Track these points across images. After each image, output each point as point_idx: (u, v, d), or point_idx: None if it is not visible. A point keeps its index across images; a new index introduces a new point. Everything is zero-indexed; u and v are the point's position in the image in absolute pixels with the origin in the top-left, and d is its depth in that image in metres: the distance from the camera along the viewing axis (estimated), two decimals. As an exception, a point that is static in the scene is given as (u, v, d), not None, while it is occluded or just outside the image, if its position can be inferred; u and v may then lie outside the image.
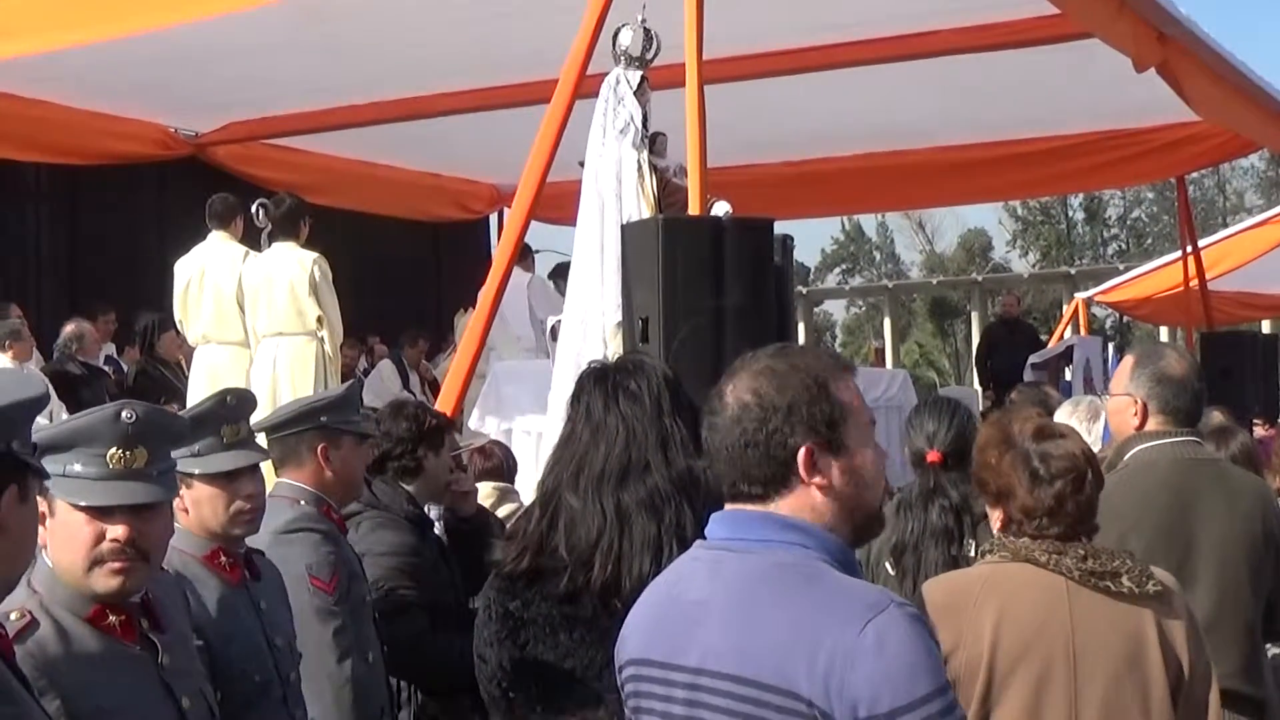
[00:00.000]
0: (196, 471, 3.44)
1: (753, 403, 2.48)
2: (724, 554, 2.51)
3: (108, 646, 2.66)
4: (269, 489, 3.72)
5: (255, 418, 3.91)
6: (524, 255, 9.55)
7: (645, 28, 6.40)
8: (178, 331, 9.33)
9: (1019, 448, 3.51)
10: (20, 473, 2.19)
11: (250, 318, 8.38)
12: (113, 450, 2.72)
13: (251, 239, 8.63)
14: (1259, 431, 7.56)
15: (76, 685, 2.48)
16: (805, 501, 2.48)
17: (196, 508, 3.51)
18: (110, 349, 10.72)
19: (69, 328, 9.92)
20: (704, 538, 2.63)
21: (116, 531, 2.70)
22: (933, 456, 4.74)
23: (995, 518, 3.66)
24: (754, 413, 2.47)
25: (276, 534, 3.74)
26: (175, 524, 3.38)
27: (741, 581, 2.45)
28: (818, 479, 2.45)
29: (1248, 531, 4.48)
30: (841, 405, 2.45)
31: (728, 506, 2.55)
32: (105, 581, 2.72)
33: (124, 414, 2.75)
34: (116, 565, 2.72)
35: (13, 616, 2.48)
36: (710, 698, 2.41)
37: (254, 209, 8.77)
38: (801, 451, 2.45)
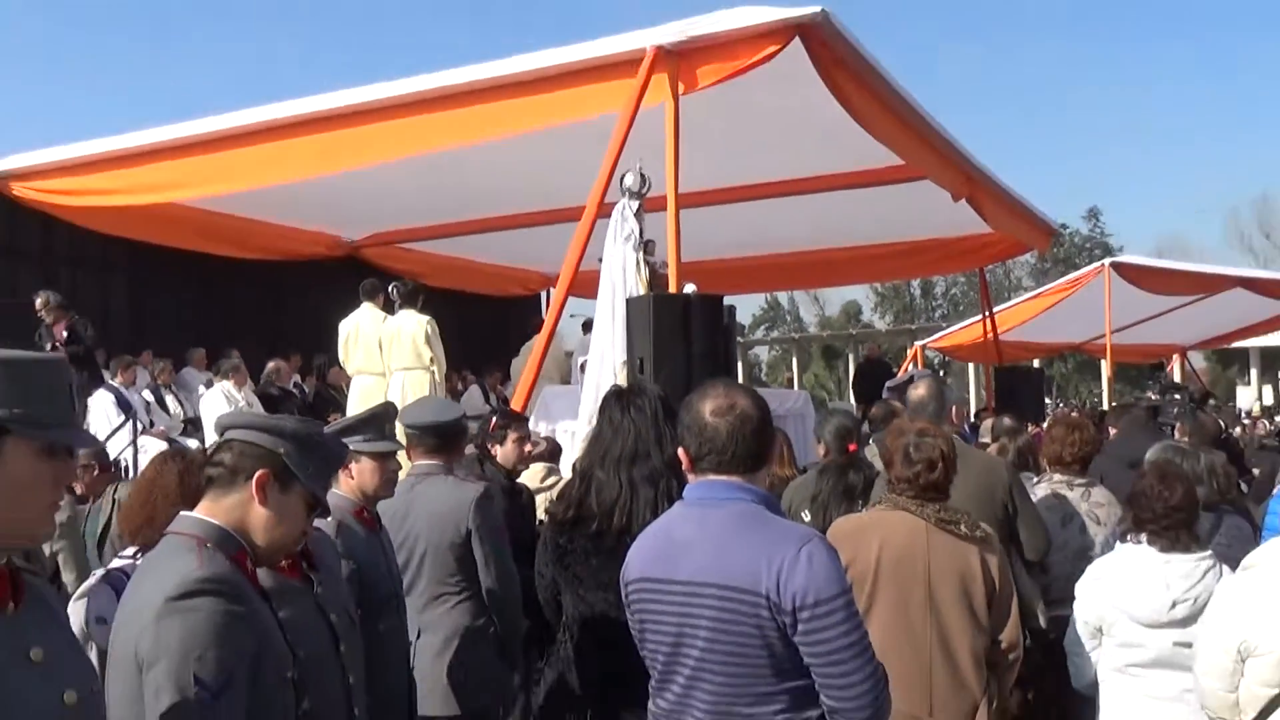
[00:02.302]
0: (366, 450, 3.49)
1: (751, 413, 2.57)
2: (705, 508, 2.60)
3: (278, 580, 2.49)
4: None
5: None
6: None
7: (641, 173, 6.96)
8: (340, 366, 10.14)
9: (905, 437, 3.70)
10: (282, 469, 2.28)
11: (386, 358, 9.12)
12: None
13: (387, 307, 9.46)
14: (1033, 429, 7.76)
15: (277, 601, 2.33)
16: (762, 476, 2.62)
17: (360, 476, 3.56)
18: (296, 378, 11.75)
19: (270, 364, 11.12)
20: (683, 500, 2.70)
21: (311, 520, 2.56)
22: (852, 446, 5.03)
23: (889, 480, 3.83)
24: (753, 421, 2.57)
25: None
26: (337, 489, 3.46)
27: (718, 523, 2.55)
28: (770, 463, 2.70)
29: (982, 491, 4.60)
30: None
31: (707, 478, 2.61)
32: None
33: None
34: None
35: None
36: (700, 599, 2.50)
37: (389, 288, 9.62)
38: (774, 447, 2.65)
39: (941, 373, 12.92)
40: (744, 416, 2.55)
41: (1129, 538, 3.91)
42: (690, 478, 2.64)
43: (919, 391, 5.20)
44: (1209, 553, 3.82)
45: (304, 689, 2.28)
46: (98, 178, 9.36)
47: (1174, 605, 3.65)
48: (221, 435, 2.35)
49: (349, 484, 3.55)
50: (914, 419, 5.00)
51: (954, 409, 5.40)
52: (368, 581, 3.46)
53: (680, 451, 2.67)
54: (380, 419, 3.62)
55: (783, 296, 48.03)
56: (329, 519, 3.22)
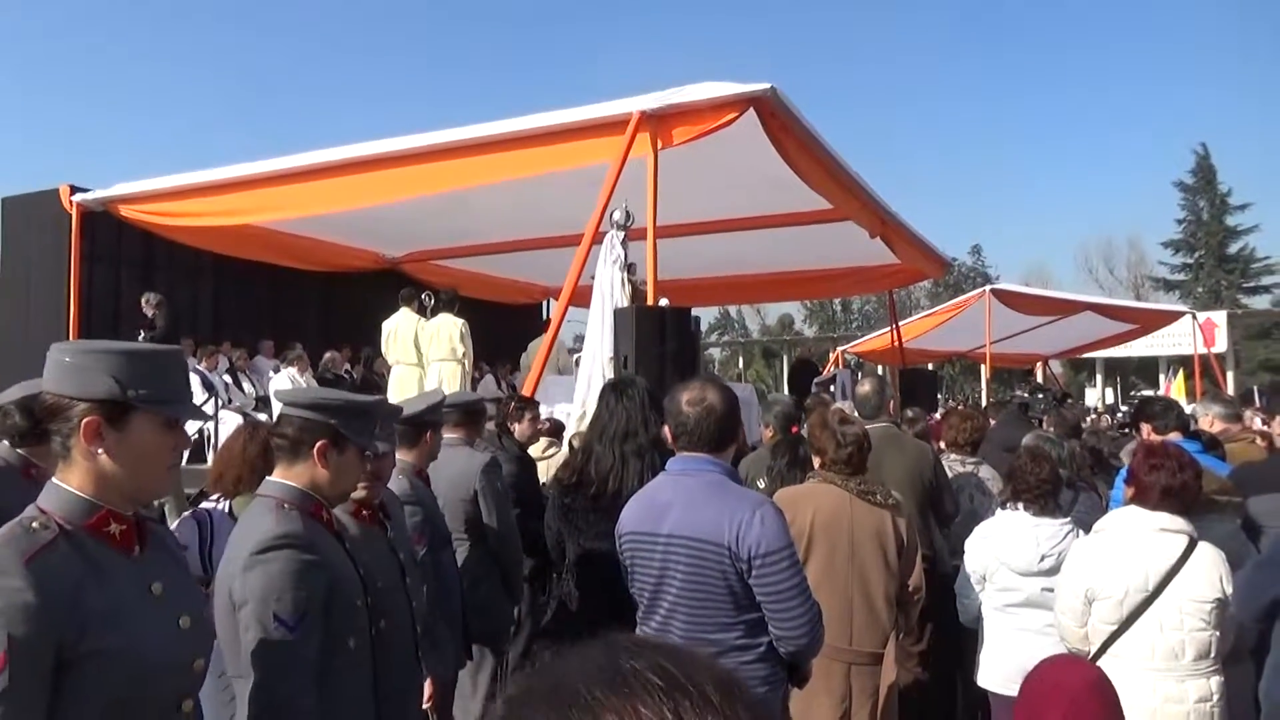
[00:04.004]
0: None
1: (717, 405, 2.60)
2: (681, 477, 2.64)
3: (361, 527, 2.55)
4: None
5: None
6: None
7: (627, 210, 6.94)
8: (382, 357, 10.09)
9: (831, 428, 3.66)
10: (336, 436, 2.25)
11: (426, 351, 9.05)
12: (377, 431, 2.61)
13: (420, 311, 9.53)
14: (929, 418, 7.80)
15: (353, 542, 2.35)
16: (728, 453, 2.66)
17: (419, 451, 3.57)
18: (347, 366, 11.71)
19: (326, 355, 11.15)
20: (665, 470, 2.73)
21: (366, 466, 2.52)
22: (795, 428, 5.01)
23: (816, 462, 3.76)
24: (718, 411, 2.60)
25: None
26: (405, 459, 3.45)
27: (691, 489, 2.60)
28: (735, 443, 2.71)
29: (913, 469, 4.65)
30: None
31: (683, 454, 2.66)
32: (359, 492, 2.57)
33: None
34: (365, 483, 2.58)
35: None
36: (677, 549, 2.55)
37: (422, 295, 9.70)
38: (739, 431, 2.72)
39: (860, 373, 12.95)
40: (710, 408, 2.59)
41: (1007, 505, 3.94)
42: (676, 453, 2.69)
43: (864, 388, 5.16)
44: (1069, 519, 3.88)
45: (379, 612, 2.28)
46: (189, 203, 9.25)
47: (1042, 558, 3.70)
48: (284, 410, 2.31)
49: (410, 454, 3.51)
50: (859, 409, 5.02)
51: (890, 403, 5.40)
52: (433, 522, 3.50)
53: (667, 430, 2.71)
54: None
55: (733, 309, 48.25)
56: (403, 477, 3.33)
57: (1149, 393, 22.99)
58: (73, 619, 1.49)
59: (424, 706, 2.75)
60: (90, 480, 1.61)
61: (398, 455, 3.49)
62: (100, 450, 1.60)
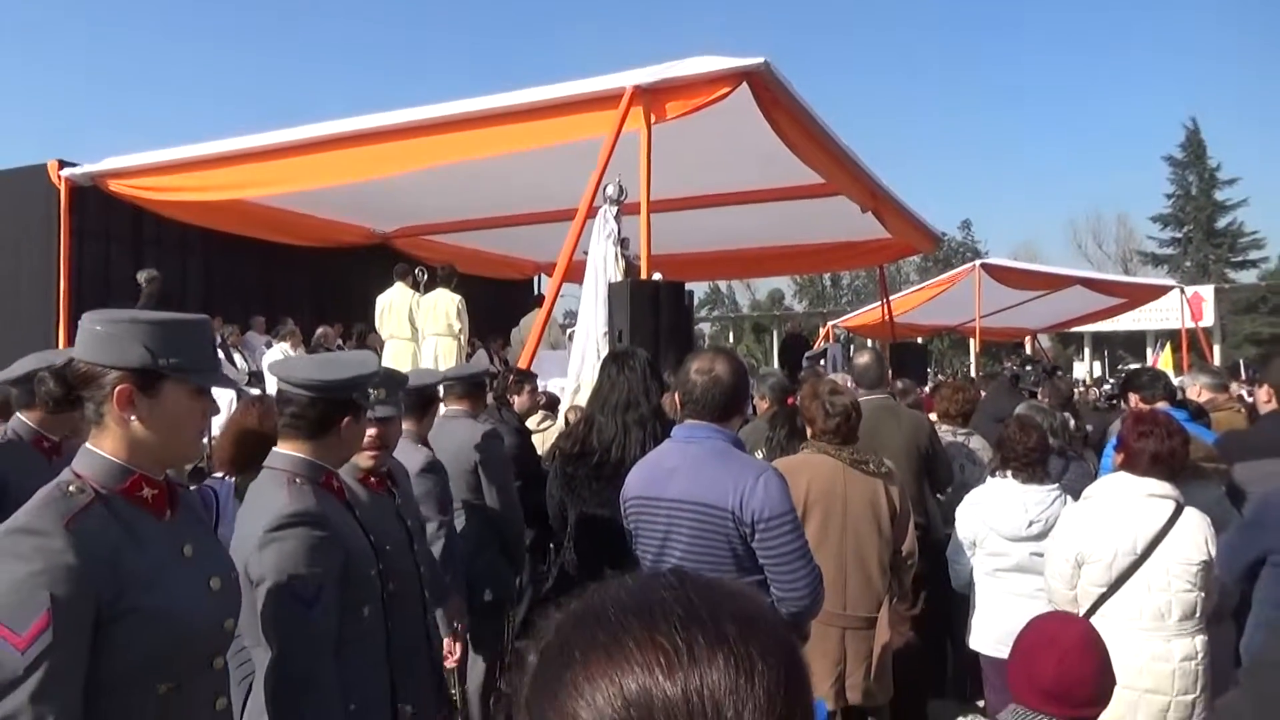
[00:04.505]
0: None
1: (724, 376, 2.64)
2: (687, 444, 2.68)
3: (370, 495, 2.60)
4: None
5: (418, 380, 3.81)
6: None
7: (620, 185, 6.90)
8: (376, 332, 10.03)
9: (821, 398, 3.68)
10: (357, 408, 2.29)
11: (422, 326, 9.09)
12: (371, 391, 2.56)
13: (414, 286, 9.60)
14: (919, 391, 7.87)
15: (363, 510, 2.39)
16: (734, 422, 2.71)
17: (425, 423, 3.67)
18: (339, 341, 11.54)
19: (319, 330, 11.01)
20: (671, 437, 2.77)
21: (372, 431, 2.61)
22: (790, 400, 4.99)
23: (808, 433, 3.80)
24: (724, 382, 2.63)
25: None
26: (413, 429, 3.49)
27: (696, 456, 2.65)
28: (740, 413, 2.76)
29: (910, 439, 4.68)
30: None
31: (689, 422, 2.69)
32: (365, 460, 2.65)
33: (380, 371, 2.70)
34: (372, 450, 2.65)
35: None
36: (682, 512, 2.60)
37: (416, 270, 9.69)
38: (745, 402, 2.73)
39: (851, 347, 13.01)
40: (717, 378, 2.63)
41: (997, 473, 4.03)
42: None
43: (864, 359, 5.22)
44: (1057, 485, 3.97)
45: (388, 576, 2.32)
46: (178, 177, 9.19)
47: (1030, 524, 3.79)
48: (293, 388, 2.25)
49: (417, 425, 3.58)
50: (860, 380, 5.09)
51: (887, 375, 5.49)
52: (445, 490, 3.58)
53: (676, 397, 2.77)
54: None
55: (723, 284, 48.33)
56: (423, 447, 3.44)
57: (1137, 366, 23.18)
58: (111, 579, 1.55)
59: (450, 665, 2.81)
60: (123, 446, 1.66)
61: (405, 425, 3.53)
62: (133, 417, 1.64)
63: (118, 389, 1.63)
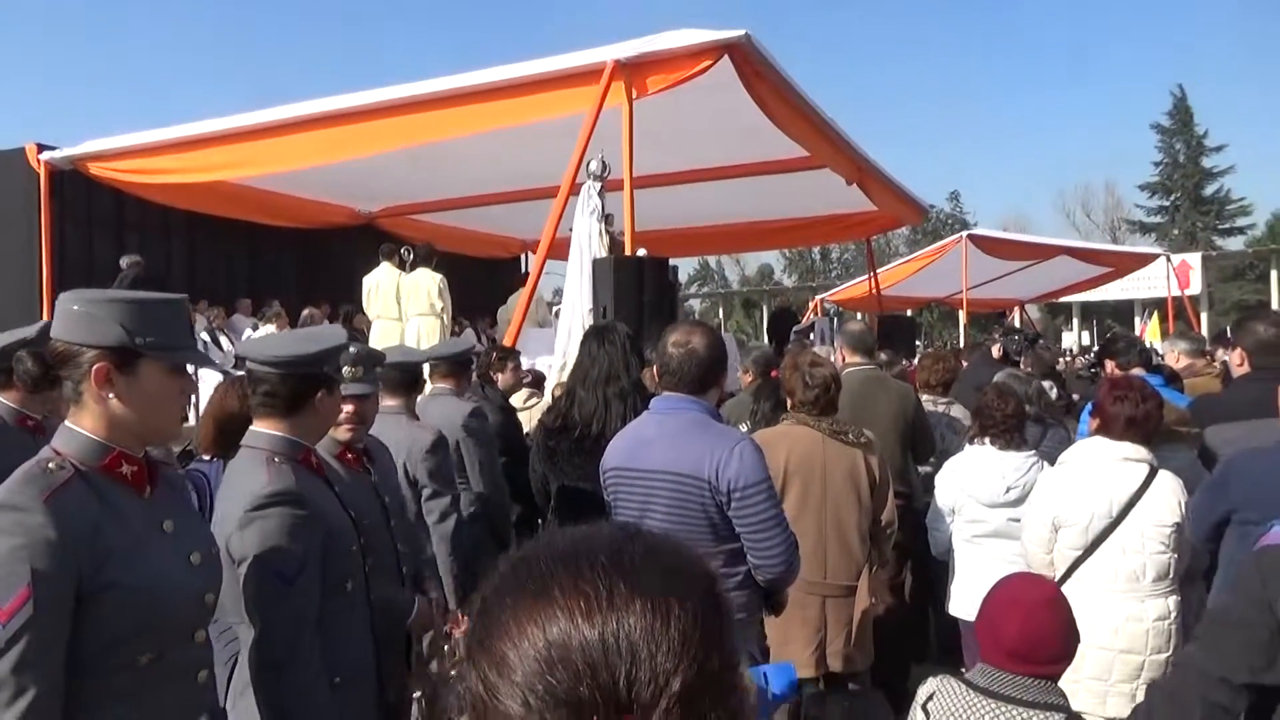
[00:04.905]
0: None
1: (700, 349, 2.68)
2: (664, 416, 2.73)
3: (347, 472, 2.61)
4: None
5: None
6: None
7: (603, 161, 6.91)
8: (363, 313, 10.04)
9: (800, 370, 3.70)
10: (329, 382, 2.31)
11: (405, 306, 9.09)
12: (346, 368, 2.69)
13: (401, 266, 9.54)
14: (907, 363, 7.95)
15: (342, 487, 2.40)
16: (711, 394, 2.74)
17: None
18: (326, 322, 11.30)
19: (305, 311, 10.95)
20: (649, 409, 2.82)
21: (349, 407, 2.67)
22: (774, 372, 5.06)
23: (789, 404, 3.84)
24: (699, 355, 2.67)
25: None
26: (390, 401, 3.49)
27: (673, 427, 2.69)
28: (717, 386, 2.78)
29: (897, 409, 4.73)
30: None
31: (667, 394, 2.74)
32: (343, 434, 2.69)
33: (352, 349, 2.74)
34: (349, 425, 2.70)
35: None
36: (659, 483, 2.64)
37: (402, 250, 9.65)
38: (722, 375, 2.78)
39: (837, 320, 13.05)
40: (692, 350, 2.66)
41: (975, 441, 4.10)
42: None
43: (856, 326, 5.31)
44: (1034, 452, 4.03)
45: (367, 551, 2.35)
46: (160, 159, 9.12)
47: (1008, 490, 3.86)
48: (262, 366, 2.26)
49: (404, 400, 3.65)
50: (858, 346, 5.14)
51: (875, 345, 5.55)
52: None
53: (649, 372, 2.81)
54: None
55: (712, 259, 48.27)
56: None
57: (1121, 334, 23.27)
58: (91, 554, 1.58)
59: (457, 635, 2.85)
60: (102, 423, 1.68)
61: (393, 401, 3.62)
62: (111, 395, 1.67)
63: (95, 367, 1.65)
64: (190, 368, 1.89)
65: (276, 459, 2.19)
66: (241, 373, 2.51)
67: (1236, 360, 3.67)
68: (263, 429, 2.25)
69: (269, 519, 2.06)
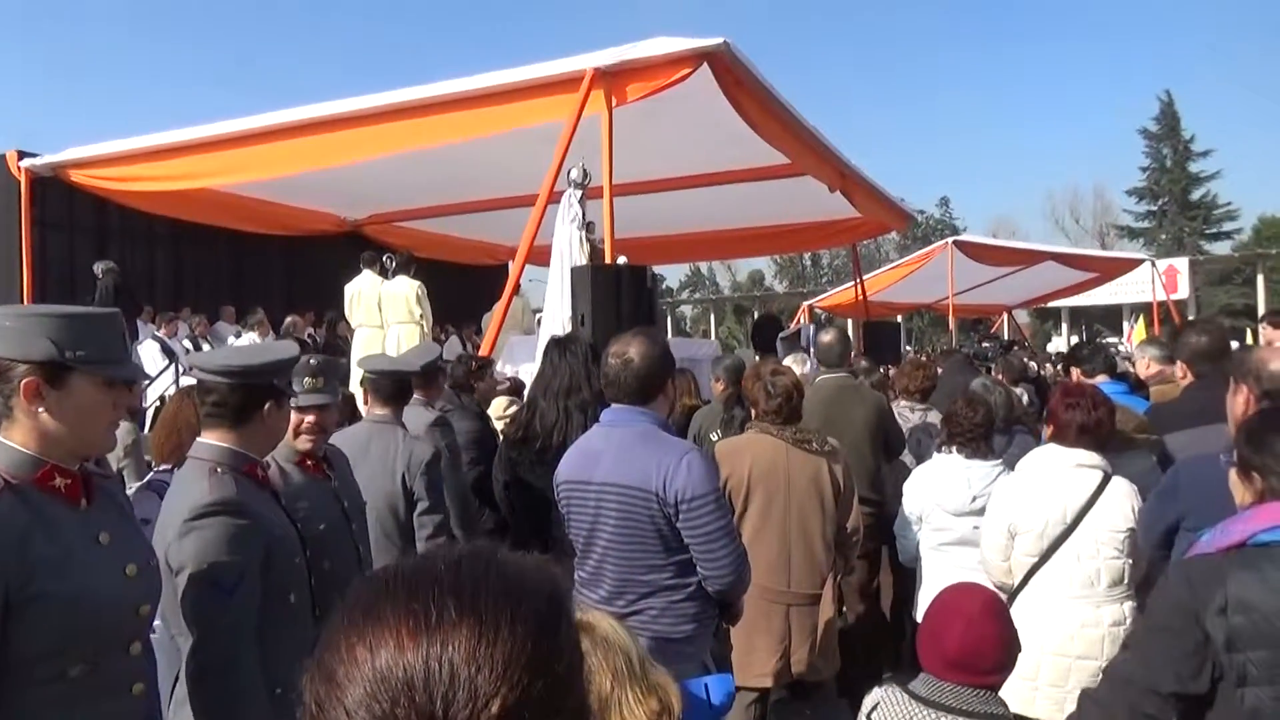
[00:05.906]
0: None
1: (636, 359, 2.67)
2: (612, 428, 2.74)
3: (306, 478, 2.67)
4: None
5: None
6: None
7: (583, 169, 6.90)
8: (346, 320, 9.95)
9: (763, 379, 3.71)
10: (279, 394, 2.32)
11: (385, 314, 9.05)
12: (307, 379, 2.72)
13: (383, 273, 9.40)
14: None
15: (291, 496, 2.44)
16: (657, 404, 2.73)
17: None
18: (309, 330, 11.63)
19: (288, 319, 11.02)
20: (599, 422, 2.83)
21: (310, 418, 2.70)
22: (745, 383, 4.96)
23: (753, 414, 3.83)
24: (634, 365, 2.67)
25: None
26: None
27: (621, 439, 2.70)
28: (664, 395, 2.76)
29: (871, 417, 4.71)
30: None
31: (615, 406, 2.74)
32: (303, 443, 2.70)
33: (312, 361, 2.79)
34: (309, 435, 2.71)
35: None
36: (609, 495, 2.65)
37: (385, 258, 9.56)
38: (667, 383, 2.76)
39: (825, 326, 13.08)
40: (628, 361, 2.65)
41: (943, 448, 4.12)
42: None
43: (827, 338, 5.28)
44: (1000, 460, 4.04)
45: (322, 554, 2.36)
46: (142, 167, 9.09)
47: (974, 499, 3.86)
48: (212, 376, 2.26)
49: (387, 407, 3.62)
50: (823, 359, 5.14)
51: (851, 354, 5.56)
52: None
53: None
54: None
55: (703, 266, 48.37)
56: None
57: (1111, 339, 23.36)
58: (19, 566, 1.59)
59: None
60: (33, 437, 1.69)
61: (382, 410, 3.63)
62: (41, 409, 1.68)
63: (24, 382, 1.66)
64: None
65: (219, 469, 2.20)
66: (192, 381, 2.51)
67: (1180, 373, 3.75)
68: (209, 440, 2.27)
69: (207, 529, 2.07)
